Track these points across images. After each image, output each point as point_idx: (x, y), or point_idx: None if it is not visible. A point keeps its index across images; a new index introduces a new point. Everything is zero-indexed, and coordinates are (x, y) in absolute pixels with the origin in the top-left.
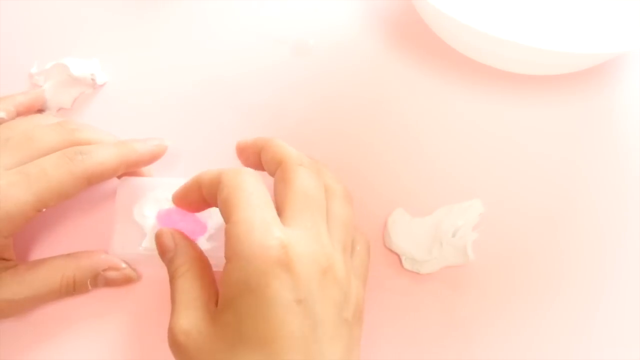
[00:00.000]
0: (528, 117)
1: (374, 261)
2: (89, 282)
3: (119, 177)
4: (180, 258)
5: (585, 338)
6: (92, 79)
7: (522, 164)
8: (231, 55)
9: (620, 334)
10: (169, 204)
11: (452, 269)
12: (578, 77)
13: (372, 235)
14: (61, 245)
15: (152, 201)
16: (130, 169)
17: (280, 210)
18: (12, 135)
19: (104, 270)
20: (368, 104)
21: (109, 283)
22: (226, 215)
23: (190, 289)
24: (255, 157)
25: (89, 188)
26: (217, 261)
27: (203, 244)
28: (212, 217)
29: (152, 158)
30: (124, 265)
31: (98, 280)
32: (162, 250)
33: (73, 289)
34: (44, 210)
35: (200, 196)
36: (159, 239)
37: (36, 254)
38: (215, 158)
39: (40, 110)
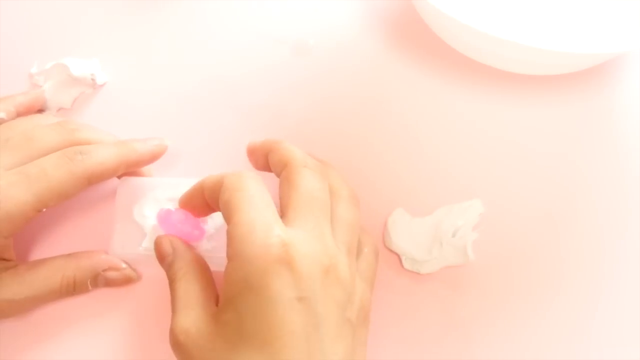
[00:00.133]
0: (528, 117)
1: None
2: (89, 282)
3: (119, 177)
4: (179, 262)
5: (585, 338)
6: (92, 79)
7: (522, 164)
8: (231, 55)
9: (620, 334)
10: (169, 204)
11: (452, 269)
12: (578, 77)
13: (372, 236)
14: (61, 246)
15: (152, 201)
16: (130, 169)
17: (284, 211)
18: (12, 135)
19: (104, 270)
20: (368, 104)
21: (109, 283)
22: (227, 217)
23: (189, 290)
24: (264, 159)
25: (89, 188)
26: (217, 261)
27: (203, 244)
28: (212, 217)
29: (152, 158)
30: (124, 265)
31: (98, 280)
32: (161, 257)
33: (73, 289)
34: (44, 210)
35: (204, 200)
36: (157, 246)
37: (36, 254)
38: (215, 158)
39: (40, 110)
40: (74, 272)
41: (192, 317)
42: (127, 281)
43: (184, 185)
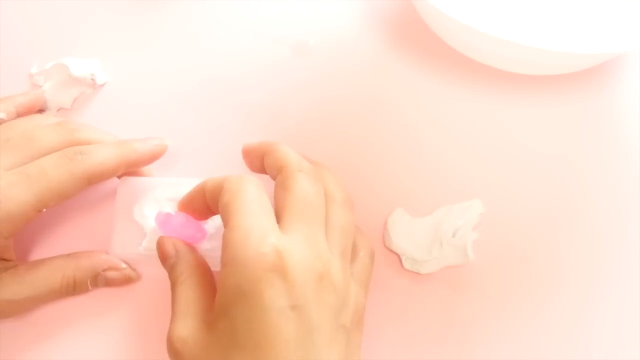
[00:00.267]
0: (528, 117)
1: (374, 261)
2: (89, 282)
3: (119, 176)
4: (181, 265)
5: (585, 338)
6: (92, 79)
7: (522, 164)
8: (231, 55)
9: (620, 334)
10: (169, 204)
11: (452, 269)
12: (578, 77)
13: (372, 235)
14: (61, 246)
15: (152, 201)
16: (130, 169)
17: (278, 217)
18: (12, 135)
19: (104, 270)
20: (368, 104)
21: (109, 283)
22: (225, 220)
23: (189, 297)
24: (259, 161)
25: (89, 188)
26: (217, 261)
27: (203, 244)
28: (212, 219)
29: (152, 157)
30: (124, 265)
31: (98, 280)
32: (163, 258)
33: (73, 289)
34: (44, 210)
35: (205, 203)
36: (160, 247)
37: (36, 254)
38: (215, 158)
39: (40, 111)
40: (74, 272)
41: (190, 326)
42: (127, 281)
43: (184, 185)
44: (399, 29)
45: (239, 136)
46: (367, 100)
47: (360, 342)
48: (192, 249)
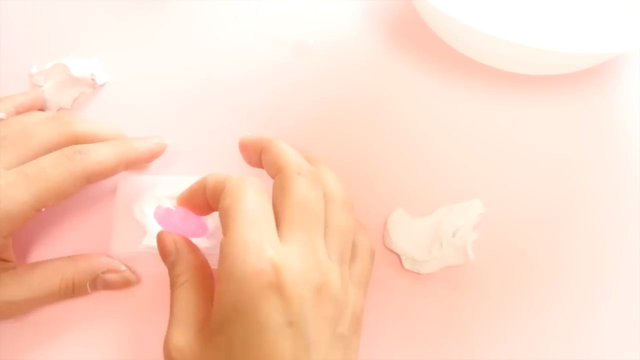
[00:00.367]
0: (528, 117)
1: (374, 261)
2: (88, 285)
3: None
4: (181, 266)
5: (585, 338)
6: (92, 79)
7: (522, 164)
8: (231, 55)
9: (620, 334)
10: (169, 202)
11: (452, 269)
12: (578, 77)
13: (372, 235)
14: (60, 245)
15: (152, 199)
16: (129, 168)
17: (277, 222)
18: (8, 132)
19: (103, 272)
20: (368, 104)
21: (108, 286)
22: (224, 228)
23: (187, 302)
24: (257, 156)
25: (88, 187)
26: (217, 259)
27: (203, 241)
28: (212, 216)
29: (152, 156)
30: (123, 267)
31: (97, 282)
32: (163, 254)
33: (72, 291)
34: (42, 210)
35: (205, 199)
36: (160, 243)
37: (35, 253)
38: (215, 158)
39: (40, 110)
40: (73, 275)
41: (187, 335)
42: (126, 284)
43: (184, 183)
44: (399, 29)
45: (239, 136)
46: (367, 100)
47: (358, 345)
48: (192, 246)
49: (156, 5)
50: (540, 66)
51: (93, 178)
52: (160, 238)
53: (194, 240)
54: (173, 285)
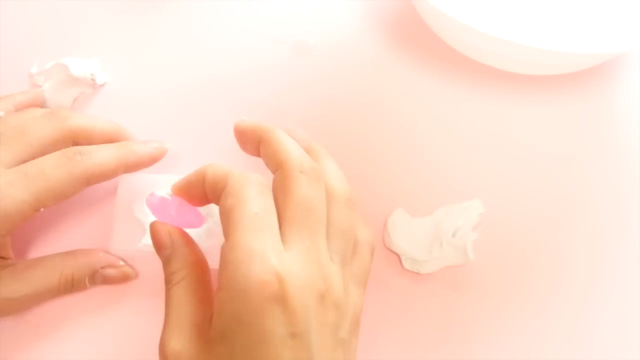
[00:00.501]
0: (528, 117)
1: (374, 261)
2: (87, 280)
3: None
4: (177, 262)
5: (586, 338)
6: (92, 79)
7: (522, 164)
8: (231, 55)
9: (620, 334)
10: (162, 192)
11: (452, 269)
12: (578, 77)
13: (368, 228)
14: (60, 244)
15: None
16: (129, 171)
17: (279, 222)
18: (5, 129)
19: (102, 267)
20: (368, 104)
21: (107, 281)
22: (226, 230)
23: (184, 303)
24: (254, 146)
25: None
26: (216, 259)
27: (203, 241)
28: (212, 215)
29: (152, 160)
30: (121, 262)
31: (96, 277)
32: (158, 246)
33: (71, 286)
34: (41, 209)
35: (203, 192)
36: (154, 234)
37: (35, 252)
38: (215, 157)
39: None
40: (72, 270)
41: (184, 341)
42: (125, 279)
43: None
44: (399, 29)
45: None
46: (367, 100)
47: (357, 344)
48: (189, 240)
49: (156, 5)
50: (540, 66)
51: (93, 180)
52: (154, 229)
53: (192, 232)
54: (168, 283)
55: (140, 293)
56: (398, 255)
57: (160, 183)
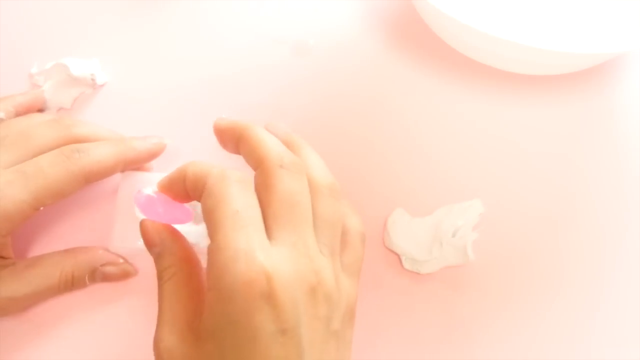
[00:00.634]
0: (528, 117)
1: (374, 261)
2: (87, 278)
3: (120, 171)
4: (168, 259)
5: (585, 338)
6: (92, 79)
7: (522, 164)
8: (231, 55)
9: (620, 334)
10: (150, 189)
11: (452, 269)
12: (578, 77)
13: (372, 235)
14: (60, 243)
15: None
16: (128, 167)
17: (264, 218)
18: (8, 133)
19: (102, 265)
20: (368, 104)
21: (107, 278)
22: (210, 233)
23: (176, 298)
24: (234, 144)
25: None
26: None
27: (194, 237)
28: (197, 207)
29: (151, 156)
30: (121, 260)
31: (96, 275)
32: (148, 244)
33: (71, 284)
34: (41, 208)
35: (185, 189)
36: (143, 232)
37: (35, 251)
38: (215, 157)
39: (40, 110)
40: (72, 268)
41: (176, 336)
42: (124, 276)
43: None
44: (399, 29)
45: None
46: (367, 100)
47: (352, 337)
48: (177, 236)
49: (156, 5)
50: (540, 66)
51: (91, 177)
52: (143, 227)
53: (191, 232)
54: (160, 279)
55: (140, 291)
56: (398, 255)
57: None
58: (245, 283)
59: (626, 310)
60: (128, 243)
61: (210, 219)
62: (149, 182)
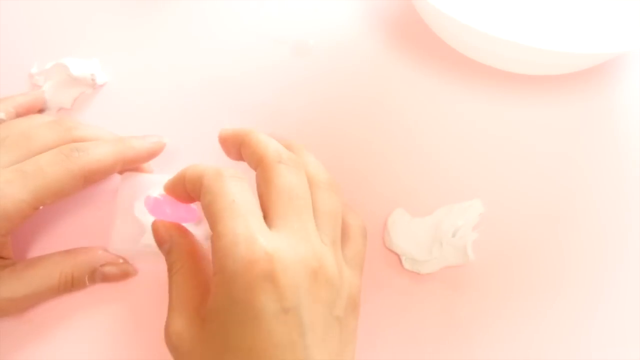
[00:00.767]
0: (528, 117)
1: (374, 261)
2: (86, 278)
3: (120, 172)
4: (176, 253)
5: (586, 338)
6: (92, 79)
7: (522, 164)
8: (231, 55)
9: (620, 334)
10: (157, 192)
11: (452, 269)
12: (578, 77)
13: (372, 235)
14: (60, 242)
15: None
16: (128, 166)
17: (265, 213)
18: (9, 134)
19: (102, 265)
20: (368, 104)
21: (107, 278)
22: (210, 224)
23: (184, 288)
24: (236, 150)
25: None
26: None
27: (199, 234)
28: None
29: (150, 155)
30: (121, 260)
31: (96, 275)
32: (159, 242)
33: (71, 285)
34: (40, 208)
35: (186, 191)
36: (154, 230)
37: (35, 251)
38: (216, 157)
39: (40, 111)
40: (72, 269)
41: (185, 320)
42: (124, 276)
43: None
44: (399, 29)
45: None
46: (367, 100)
47: (356, 327)
48: (184, 232)
49: (156, 5)
50: (540, 66)
51: (91, 176)
52: (154, 227)
53: (198, 231)
54: (169, 272)
55: (140, 291)
56: (398, 255)
57: (160, 183)
58: (246, 264)
59: (626, 310)
60: (127, 244)
61: (210, 213)
62: (149, 183)
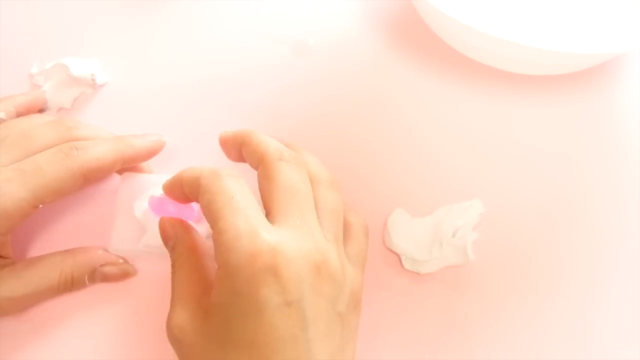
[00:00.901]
0: (528, 117)
1: (374, 261)
2: (86, 278)
3: (119, 172)
4: (179, 247)
5: (586, 338)
6: (92, 79)
7: (522, 164)
8: (231, 55)
9: (620, 334)
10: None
11: (452, 269)
12: (578, 77)
13: (372, 235)
14: (59, 243)
15: None
16: (127, 165)
17: (267, 209)
18: (9, 133)
19: (101, 265)
20: (368, 104)
21: (107, 278)
22: (211, 223)
23: (186, 282)
24: (237, 151)
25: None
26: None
27: (201, 229)
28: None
29: (150, 154)
30: (121, 260)
31: (95, 275)
32: (164, 238)
33: (71, 285)
34: (40, 206)
35: (183, 193)
36: (161, 228)
37: (35, 251)
38: (216, 157)
39: (40, 111)
40: (72, 268)
41: (187, 313)
42: (124, 276)
43: None
44: (399, 29)
45: None
46: (367, 100)
47: (357, 325)
48: (189, 228)
49: (156, 5)
50: (540, 66)
51: (90, 174)
52: (161, 224)
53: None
54: (172, 266)
55: (140, 291)
56: (398, 255)
57: (160, 183)
58: (249, 257)
59: (626, 310)
60: (127, 244)
61: (209, 212)
62: (148, 184)
